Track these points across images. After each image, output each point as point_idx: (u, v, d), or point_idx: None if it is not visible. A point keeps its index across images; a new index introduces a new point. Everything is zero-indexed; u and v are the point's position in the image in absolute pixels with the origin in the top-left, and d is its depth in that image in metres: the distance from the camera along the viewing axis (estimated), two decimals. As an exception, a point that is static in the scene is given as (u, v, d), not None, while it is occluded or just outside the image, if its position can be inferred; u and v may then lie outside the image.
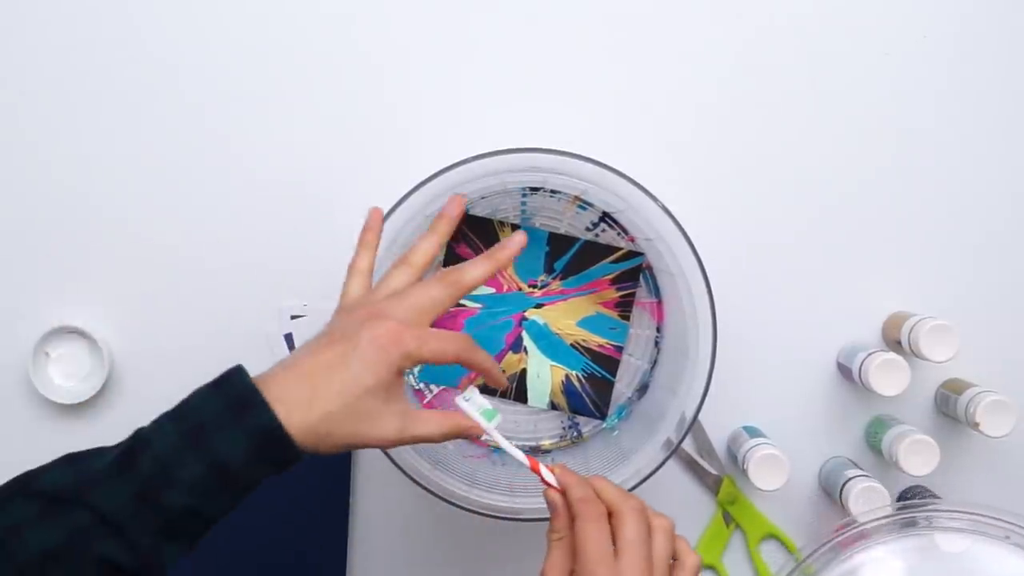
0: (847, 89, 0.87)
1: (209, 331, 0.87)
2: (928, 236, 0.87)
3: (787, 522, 0.88)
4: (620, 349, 0.85)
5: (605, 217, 0.84)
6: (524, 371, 0.86)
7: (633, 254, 0.84)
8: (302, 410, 0.56)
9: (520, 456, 0.63)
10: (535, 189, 0.82)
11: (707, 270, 0.73)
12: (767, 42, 0.87)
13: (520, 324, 0.85)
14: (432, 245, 0.66)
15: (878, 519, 0.75)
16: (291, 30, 0.86)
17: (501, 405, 0.86)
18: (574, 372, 0.86)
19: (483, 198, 0.83)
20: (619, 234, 0.84)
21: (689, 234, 0.73)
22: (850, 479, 0.81)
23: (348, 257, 0.72)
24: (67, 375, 0.87)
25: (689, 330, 0.76)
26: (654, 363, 0.85)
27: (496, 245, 0.66)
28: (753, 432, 0.85)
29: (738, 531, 0.88)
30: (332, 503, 0.87)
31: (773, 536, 0.88)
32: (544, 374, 0.86)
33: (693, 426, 0.77)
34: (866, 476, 0.81)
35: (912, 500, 0.83)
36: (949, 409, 0.84)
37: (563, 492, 0.60)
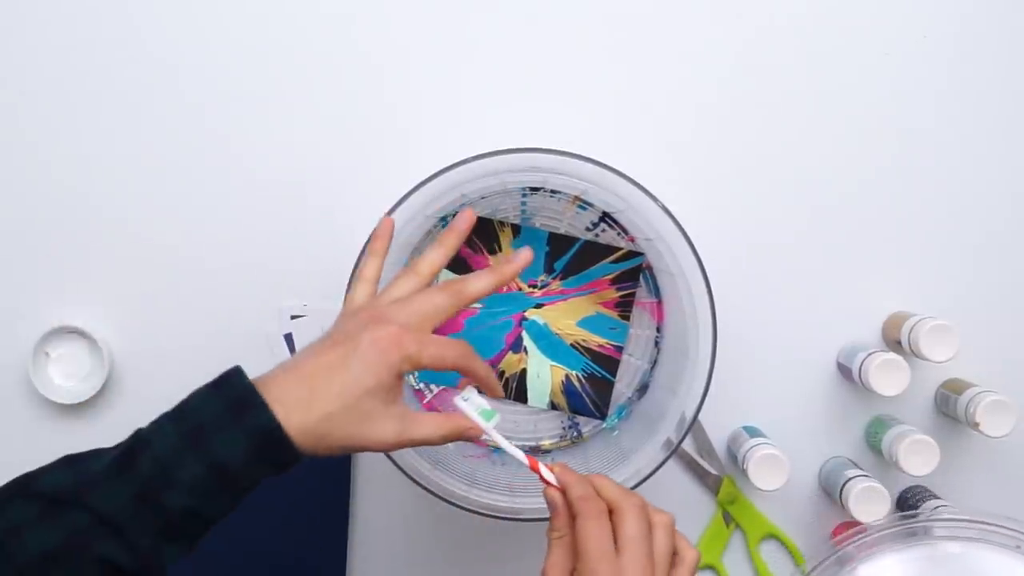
0: (847, 89, 0.87)
1: (209, 331, 0.87)
2: (928, 236, 0.87)
3: (787, 522, 0.88)
4: (620, 349, 0.85)
5: (605, 217, 0.84)
6: (524, 371, 0.86)
7: (633, 254, 0.85)
8: (301, 411, 0.56)
9: (519, 455, 0.63)
10: (535, 189, 0.82)
11: (707, 270, 0.73)
12: (767, 42, 0.87)
13: (520, 324, 0.85)
14: (439, 256, 0.67)
15: (885, 528, 0.74)
16: (291, 30, 0.86)
17: (501, 405, 0.85)
18: (574, 372, 0.86)
19: (483, 198, 0.83)
20: (619, 234, 0.84)
21: (689, 234, 0.73)
22: (850, 479, 0.81)
23: (349, 256, 0.72)
24: (67, 375, 0.87)
25: (689, 330, 0.76)
26: (654, 363, 0.85)
27: (502, 258, 0.67)
28: (753, 432, 0.85)
29: (738, 531, 0.88)
30: (332, 503, 0.87)
31: (773, 536, 0.88)
32: (544, 374, 0.86)
33: (693, 426, 0.77)
34: (866, 476, 0.81)
35: (919, 508, 0.83)
36: (949, 409, 0.84)
37: (563, 490, 0.60)
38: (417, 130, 0.87)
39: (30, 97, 0.86)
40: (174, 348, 0.87)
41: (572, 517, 0.59)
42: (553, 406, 0.86)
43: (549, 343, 0.85)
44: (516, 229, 0.85)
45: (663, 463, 0.75)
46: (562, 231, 0.85)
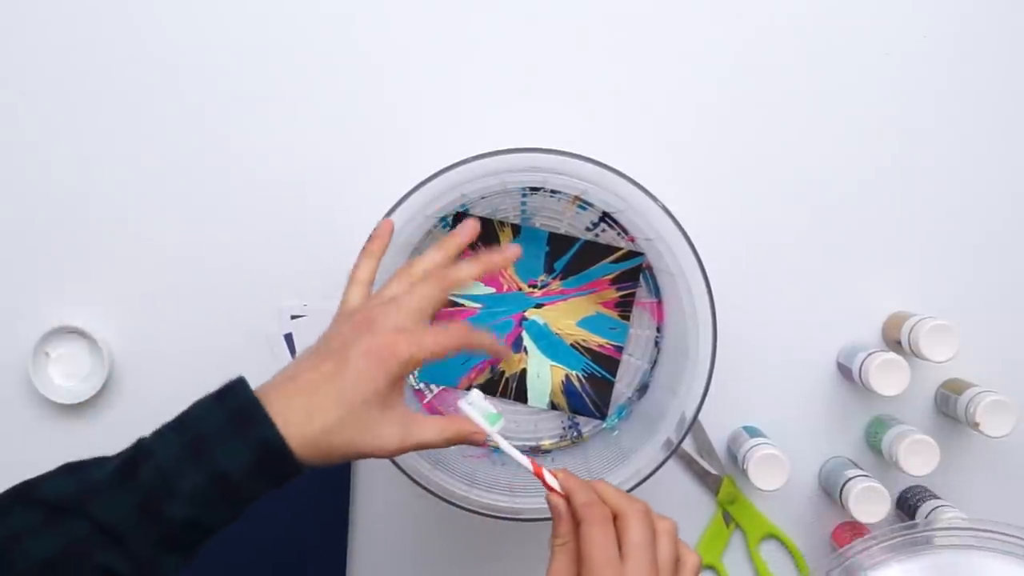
0: (847, 89, 0.87)
1: (209, 331, 0.87)
2: (928, 236, 0.87)
3: (787, 522, 0.88)
4: (620, 349, 0.85)
5: (605, 217, 0.84)
6: (524, 371, 0.86)
7: (633, 254, 0.85)
8: (302, 424, 0.56)
9: (523, 460, 0.63)
10: (535, 189, 0.82)
11: (707, 270, 0.73)
12: (767, 42, 0.87)
13: (520, 324, 0.85)
14: (436, 259, 0.66)
15: (891, 536, 0.74)
16: (291, 30, 0.86)
17: (501, 405, 0.86)
18: (574, 372, 0.86)
19: (483, 198, 0.83)
20: (619, 234, 0.84)
21: (689, 234, 0.73)
22: (850, 479, 0.81)
23: (349, 257, 0.72)
24: (67, 375, 0.87)
25: (689, 330, 0.76)
26: (654, 363, 0.85)
27: (493, 249, 0.66)
28: (753, 432, 0.85)
29: (738, 531, 0.88)
30: (332, 503, 0.87)
31: (773, 536, 0.88)
32: (544, 374, 0.86)
33: (693, 426, 0.77)
34: (866, 476, 0.81)
35: (919, 509, 0.83)
36: (949, 409, 0.84)
37: (566, 497, 0.60)
38: (417, 130, 0.87)
39: (30, 97, 0.86)
40: (174, 348, 0.87)
41: (576, 524, 0.59)
42: (553, 406, 0.86)
43: (549, 343, 0.85)
44: (516, 229, 0.85)
45: (663, 463, 0.75)
46: (562, 231, 0.85)
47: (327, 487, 0.87)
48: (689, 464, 0.88)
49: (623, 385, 0.86)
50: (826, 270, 0.87)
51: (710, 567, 0.88)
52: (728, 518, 0.88)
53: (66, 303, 0.86)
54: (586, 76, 0.87)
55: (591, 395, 0.86)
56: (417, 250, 0.84)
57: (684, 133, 0.87)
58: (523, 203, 0.84)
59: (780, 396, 0.87)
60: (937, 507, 0.81)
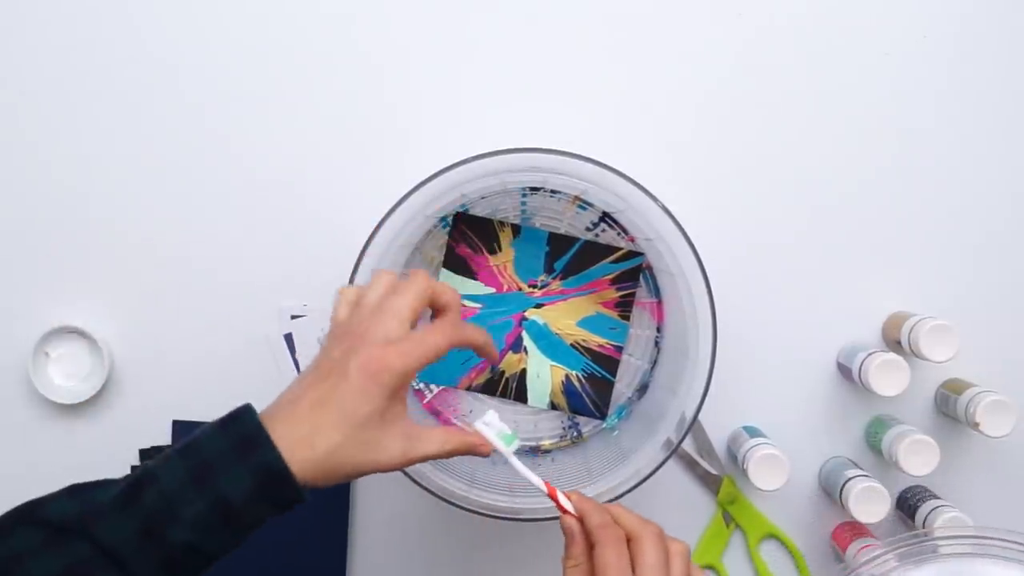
0: (847, 89, 0.87)
1: (209, 331, 0.87)
2: (928, 236, 0.87)
3: (787, 522, 0.88)
4: (620, 349, 0.85)
5: (605, 217, 0.84)
6: (524, 371, 0.86)
7: (633, 254, 0.84)
8: (305, 448, 0.56)
9: (537, 482, 0.62)
10: (535, 189, 0.82)
11: (707, 270, 0.73)
12: (767, 42, 0.87)
13: (520, 324, 0.85)
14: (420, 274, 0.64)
15: (899, 546, 0.73)
16: (291, 30, 0.86)
17: (501, 405, 0.86)
18: (574, 372, 0.86)
19: (483, 198, 0.83)
20: (619, 234, 0.84)
21: (689, 234, 0.73)
22: (850, 479, 0.81)
23: (349, 256, 0.73)
24: (67, 375, 0.87)
25: (689, 330, 0.76)
26: (654, 363, 0.85)
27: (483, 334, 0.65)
28: (753, 432, 0.85)
29: (738, 531, 0.88)
30: (333, 503, 0.87)
31: (773, 536, 0.88)
32: (544, 374, 0.86)
33: (693, 426, 0.77)
34: (866, 476, 0.81)
35: (919, 509, 0.83)
36: (949, 409, 0.84)
37: (580, 519, 0.60)
38: (417, 130, 0.87)
39: (30, 97, 0.86)
40: (174, 348, 0.87)
41: (589, 546, 0.59)
42: (553, 406, 0.86)
43: (549, 343, 0.85)
44: (516, 229, 0.85)
45: (663, 463, 0.75)
46: (562, 231, 0.85)
47: (327, 487, 0.86)
48: (689, 464, 0.88)
49: (623, 385, 0.86)
50: (826, 270, 0.87)
51: (710, 567, 0.88)
52: (728, 518, 0.88)
53: (66, 303, 0.86)
54: (586, 76, 0.87)
55: (591, 395, 0.86)
56: (417, 250, 0.84)
57: (684, 133, 0.87)
58: (523, 203, 0.84)
59: (780, 396, 0.87)
60: (937, 507, 0.81)
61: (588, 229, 0.85)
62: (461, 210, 0.84)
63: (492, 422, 0.63)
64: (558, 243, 0.85)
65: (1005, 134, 0.87)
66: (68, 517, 0.54)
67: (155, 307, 0.87)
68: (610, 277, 0.85)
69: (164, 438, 0.86)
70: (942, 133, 0.87)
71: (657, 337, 0.85)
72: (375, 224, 0.73)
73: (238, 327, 0.87)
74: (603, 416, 0.86)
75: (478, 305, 0.85)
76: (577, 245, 0.85)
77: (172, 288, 0.87)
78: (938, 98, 0.87)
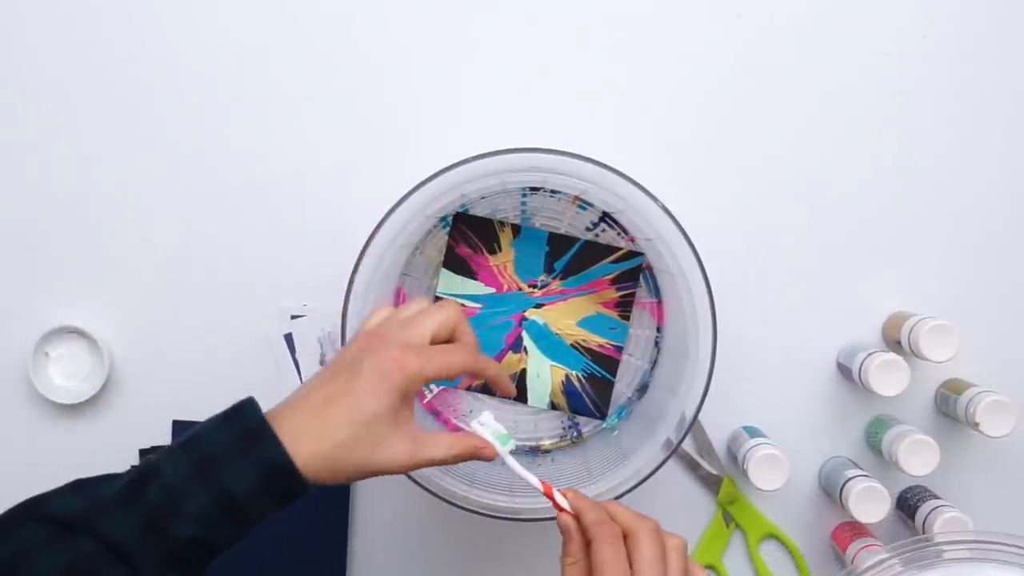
0: (847, 89, 0.87)
1: (209, 331, 0.87)
2: (928, 236, 0.87)
3: (787, 522, 0.88)
4: (620, 349, 0.85)
5: (605, 217, 0.84)
6: (524, 371, 0.86)
7: (633, 254, 0.84)
8: (312, 442, 0.56)
9: (533, 481, 0.62)
10: (535, 189, 0.82)
11: (707, 270, 0.73)
12: (767, 42, 0.87)
13: (520, 324, 0.85)
14: (452, 304, 0.65)
15: (903, 551, 0.73)
16: (291, 30, 0.86)
17: (501, 405, 0.86)
18: (574, 372, 0.86)
19: (483, 198, 0.83)
20: (619, 234, 0.84)
21: (689, 234, 0.73)
22: (850, 479, 0.81)
23: (348, 257, 0.73)
24: (67, 375, 0.87)
25: (689, 330, 0.76)
26: (654, 363, 0.85)
27: (493, 367, 0.66)
28: (753, 432, 0.85)
29: (738, 531, 0.88)
30: (333, 503, 0.87)
31: (773, 536, 0.88)
32: (544, 374, 0.86)
33: (693, 426, 0.77)
34: (866, 476, 0.81)
35: (919, 508, 0.83)
36: (949, 409, 0.84)
37: (576, 516, 0.60)
38: (417, 130, 0.87)
39: (30, 97, 0.86)
40: (174, 348, 0.87)
41: (586, 543, 0.59)
42: (553, 406, 0.86)
43: (549, 343, 0.85)
44: (516, 229, 0.85)
45: (663, 463, 0.75)
46: (562, 231, 0.85)
47: (327, 488, 0.86)
48: (689, 464, 0.88)
49: (623, 385, 0.86)
50: (826, 270, 0.87)
51: (710, 567, 0.88)
52: (728, 518, 0.88)
53: (66, 303, 0.86)
54: (586, 76, 0.87)
55: (591, 395, 0.86)
56: (417, 250, 0.84)
57: (684, 133, 0.87)
58: (523, 203, 0.84)
59: (780, 396, 0.87)
60: (937, 507, 0.81)
61: (588, 229, 0.85)
62: (461, 210, 0.84)
63: (487, 422, 0.63)
64: (558, 243, 0.85)
65: (1005, 134, 0.87)
66: (72, 512, 0.54)
67: (155, 307, 0.87)
68: (610, 277, 0.85)
69: (164, 438, 0.86)
70: (942, 133, 0.87)
71: (657, 337, 0.85)
72: (375, 224, 0.73)
73: (238, 327, 0.87)
74: (603, 416, 0.86)
75: (478, 305, 0.85)
76: (577, 245, 0.85)
77: (172, 288, 0.87)
78: (938, 98, 0.87)
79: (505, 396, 0.65)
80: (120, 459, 0.85)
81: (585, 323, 0.85)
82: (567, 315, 0.85)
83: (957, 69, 0.87)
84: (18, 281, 0.87)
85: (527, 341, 0.85)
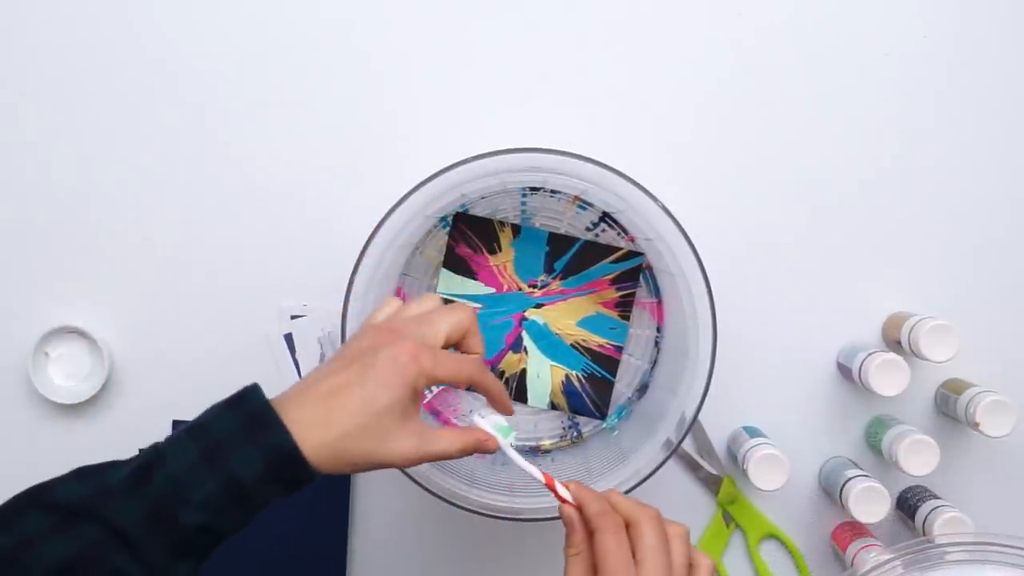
0: (847, 89, 0.87)
1: (209, 331, 0.87)
2: (928, 236, 0.87)
3: (787, 522, 0.88)
4: (620, 349, 0.85)
5: (605, 217, 0.84)
6: (524, 371, 0.86)
7: (633, 254, 0.85)
8: (319, 430, 0.56)
9: (535, 472, 0.63)
10: (535, 189, 0.82)
11: (707, 270, 0.73)
12: (767, 42, 0.87)
13: (520, 324, 0.85)
14: (467, 308, 0.65)
15: (905, 553, 0.73)
16: (291, 35, 0.86)
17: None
18: (574, 372, 0.86)
19: (483, 198, 0.83)
20: (619, 234, 0.84)
21: (689, 234, 0.73)
22: (850, 479, 0.81)
23: (348, 257, 0.73)
24: (67, 375, 0.87)
25: (689, 330, 0.76)
26: (654, 363, 0.85)
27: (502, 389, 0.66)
28: (753, 432, 0.85)
29: (738, 531, 0.88)
30: (333, 502, 0.87)
31: (773, 536, 0.88)
32: (544, 374, 0.86)
33: (693, 426, 0.77)
34: (866, 476, 0.81)
35: (919, 509, 0.83)
36: (949, 409, 0.84)
37: (578, 507, 0.60)
38: (417, 131, 0.87)
39: (30, 97, 0.86)
40: (174, 348, 0.87)
41: (589, 533, 0.59)
42: (553, 406, 0.86)
43: (549, 343, 0.85)
44: (516, 229, 0.85)
45: (663, 463, 0.75)
46: (562, 231, 0.85)
47: (327, 487, 0.87)
48: (689, 464, 0.88)
49: (623, 385, 0.86)
50: (826, 270, 0.87)
51: (710, 567, 0.88)
52: (728, 518, 0.88)
53: (66, 303, 0.86)
54: (586, 76, 0.87)
55: (591, 395, 0.86)
56: (417, 250, 0.84)
57: (684, 133, 0.87)
58: (523, 203, 0.84)
59: (780, 396, 0.87)
60: (937, 507, 0.81)
61: (588, 229, 0.85)
62: (461, 210, 0.84)
63: (488, 415, 0.64)
64: (558, 243, 0.85)
65: (1005, 134, 0.87)
66: (77, 500, 0.53)
67: (155, 307, 0.87)
68: (610, 277, 0.85)
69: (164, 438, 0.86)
70: (942, 133, 0.87)
71: (657, 337, 0.85)
72: (375, 224, 0.73)
73: (238, 327, 0.87)
74: (603, 416, 0.86)
75: (478, 305, 0.85)
76: (577, 245, 0.85)
77: (172, 288, 0.87)
78: (938, 98, 0.87)
79: (506, 413, 0.65)
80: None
81: (585, 323, 0.85)
82: (567, 315, 0.85)
83: (957, 69, 0.87)
84: (18, 281, 0.87)
85: (527, 341, 0.85)
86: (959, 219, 0.87)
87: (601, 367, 0.85)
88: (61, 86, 0.86)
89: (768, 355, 0.87)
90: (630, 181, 0.73)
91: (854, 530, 0.84)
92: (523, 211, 0.84)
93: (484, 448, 0.62)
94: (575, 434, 0.86)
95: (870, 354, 0.81)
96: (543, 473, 0.62)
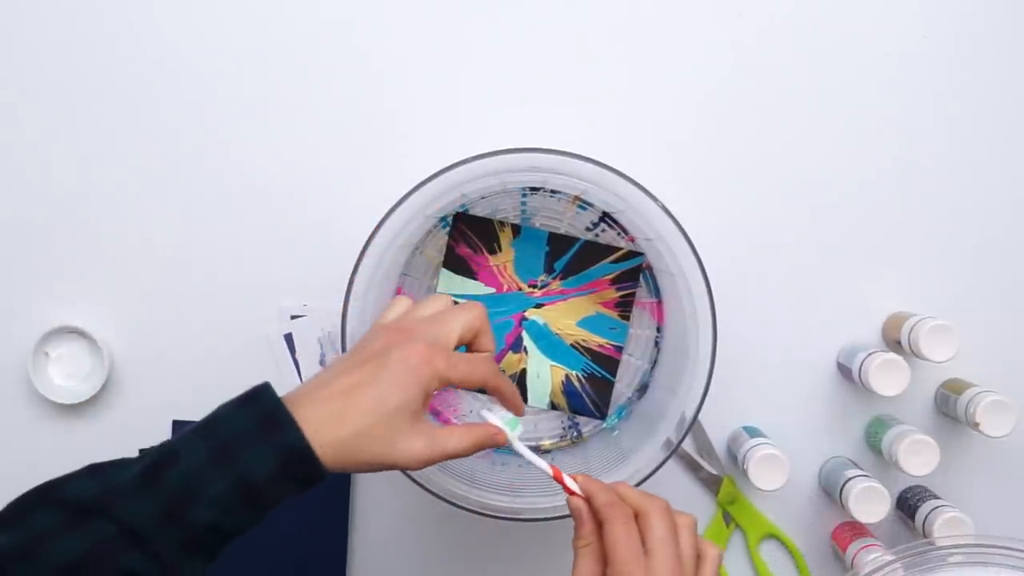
0: (847, 89, 0.87)
1: (209, 331, 0.87)
2: (928, 236, 0.87)
3: (787, 522, 0.88)
4: (620, 349, 0.85)
5: (605, 217, 0.84)
6: (524, 371, 0.86)
7: (633, 254, 0.85)
8: (331, 429, 0.56)
9: (543, 465, 0.63)
10: (535, 189, 0.82)
11: (707, 270, 0.73)
12: (767, 42, 0.87)
13: (520, 324, 0.85)
14: (478, 307, 0.65)
15: (905, 555, 0.73)
16: (291, 35, 0.86)
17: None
18: (574, 372, 0.86)
19: (483, 198, 0.83)
20: (619, 234, 0.84)
21: (689, 234, 0.73)
22: (850, 479, 0.81)
23: (348, 257, 0.73)
24: (67, 375, 0.87)
25: (689, 330, 0.76)
26: (654, 363, 0.85)
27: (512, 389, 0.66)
28: (753, 432, 0.85)
29: (738, 531, 0.88)
30: (333, 502, 0.87)
31: (773, 536, 0.88)
32: (544, 374, 0.86)
33: (693, 426, 0.77)
34: (866, 476, 0.81)
35: (919, 509, 0.83)
36: (949, 409, 0.84)
37: (587, 499, 0.60)
38: (417, 131, 0.87)
39: (30, 97, 0.86)
40: (174, 348, 0.87)
41: (598, 525, 0.59)
42: (553, 406, 0.86)
43: (549, 343, 0.85)
44: (516, 229, 0.85)
45: (663, 463, 0.75)
46: (562, 231, 0.85)
47: (327, 487, 0.86)
48: (689, 464, 0.88)
49: (623, 385, 0.86)
50: (826, 270, 0.87)
51: (710, 567, 0.88)
52: (728, 518, 0.88)
53: (66, 303, 0.86)
54: (586, 77, 0.87)
55: (591, 395, 0.86)
56: (417, 250, 0.84)
57: (684, 133, 0.87)
58: (523, 203, 0.84)
59: (780, 396, 0.87)
60: (937, 507, 0.81)
61: (588, 229, 0.85)
62: (461, 210, 0.84)
63: (494, 409, 0.64)
64: (558, 243, 0.85)
65: (1005, 134, 0.87)
66: (89, 497, 0.53)
67: (155, 307, 0.87)
68: (610, 277, 0.85)
69: (164, 438, 0.86)
70: (942, 133, 0.87)
71: (657, 337, 0.85)
72: (375, 224, 0.73)
73: (238, 327, 0.87)
74: (603, 416, 0.86)
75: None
76: (577, 245, 0.85)
77: (172, 288, 0.87)
78: (938, 98, 0.87)
79: (517, 414, 0.65)
80: (120, 459, 0.85)
81: (585, 323, 0.85)
82: (567, 315, 0.85)
83: (957, 69, 0.87)
84: (18, 281, 0.87)
85: (527, 341, 0.85)
86: (959, 219, 0.87)
87: (601, 367, 0.85)
88: (61, 86, 0.86)
89: (768, 355, 0.87)
90: (630, 181, 0.73)
91: (854, 530, 0.84)
92: (523, 211, 0.84)
93: (494, 442, 0.62)
94: (575, 434, 0.86)
95: (870, 354, 0.81)
96: (551, 466, 0.63)
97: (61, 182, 0.86)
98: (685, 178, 0.87)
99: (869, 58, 0.86)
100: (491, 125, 0.86)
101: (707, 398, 0.74)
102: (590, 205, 0.83)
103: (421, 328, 0.61)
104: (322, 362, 0.87)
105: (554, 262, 0.85)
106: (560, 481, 0.62)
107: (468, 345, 0.64)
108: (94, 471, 0.55)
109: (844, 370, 0.86)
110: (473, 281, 0.85)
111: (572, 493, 0.61)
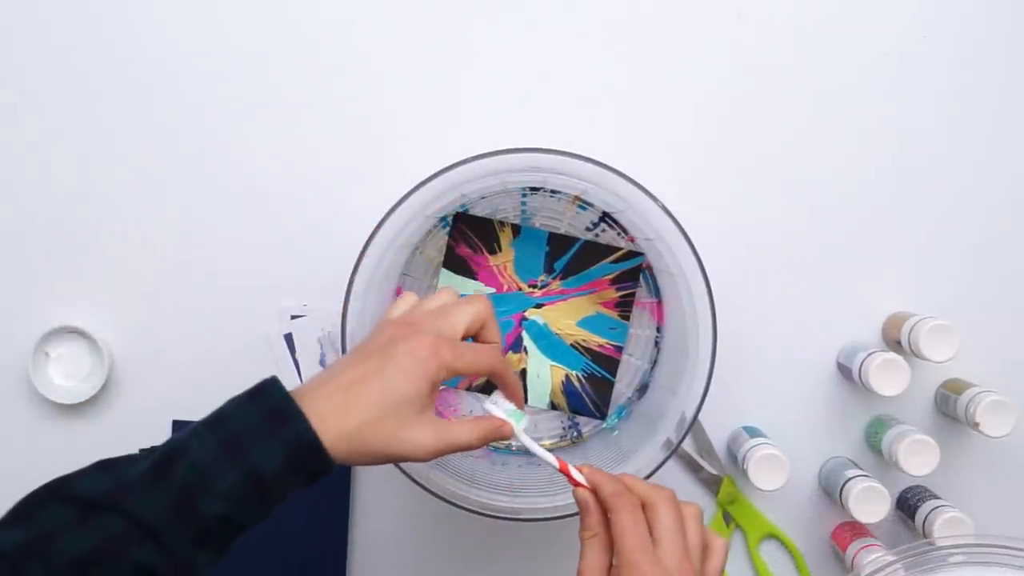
0: (847, 89, 0.87)
1: (209, 331, 0.87)
2: (928, 236, 0.87)
3: (787, 522, 0.88)
4: (620, 349, 0.85)
5: (605, 217, 0.84)
6: (524, 371, 0.86)
7: (633, 254, 0.85)
8: (338, 420, 0.56)
9: (549, 457, 0.63)
10: (535, 189, 0.82)
11: (707, 270, 0.73)
12: (767, 42, 0.87)
13: (520, 324, 0.85)
14: (483, 299, 0.65)
15: (906, 555, 0.73)
16: (291, 35, 0.86)
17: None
18: (574, 372, 0.86)
19: (483, 198, 0.83)
20: (619, 234, 0.84)
21: (689, 234, 0.73)
22: (850, 479, 0.81)
23: (348, 257, 0.73)
24: (67, 375, 0.87)
25: (689, 330, 0.76)
26: (654, 363, 0.85)
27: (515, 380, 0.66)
28: (753, 432, 0.85)
29: (738, 531, 0.88)
30: (333, 502, 0.87)
31: (773, 536, 0.88)
32: (544, 374, 0.86)
33: (693, 426, 0.77)
34: (866, 476, 0.81)
35: (919, 509, 0.83)
36: (949, 409, 0.84)
37: (593, 490, 0.61)
38: (417, 131, 0.87)
39: (30, 97, 0.86)
40: (174, 348, 0.87)
41: (604, 515, 0.60)
42: (553, 406, 0.86)
43: (549, 343, 0.85)
44: (516, 229, 0.85)
45: (663, 463, 0.75)
46: (562, 231, 0.85)
47: (328, 486, 0.86)
48: (689, 464, 0.88)
49: (623, 385, 0.86)
50: (826, 270, 0.87)
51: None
52: (728, 518, 0.88)
53: (66, 303, 0.86)
54: (586, 77, 0.87)
55: (591, 395, 0.86)
56: (417, 250, 0.84)
57: (684, 133, 0.87)
58: (523, 203, 0.84)
59: (780, 396, 0.87)
60: (937, 507, 0.81)
61: (588, 229, 0.85)
62: (461, 210, 0.84)
63: (499, 402, 0.65)
64: (558, 243, 0.85)
65: (1005, 134, 0.87)
66: (99, 492, 0.53)
67: (155, 307, 0.87)
68: (610, 277, 0.85)
69: (164, 438, 0.86)
70: (942, 133, 0.87)
71: (657, 337, 0.85)
72: (375, 224, 0.73)
73: (238, 327, 0.87)
74: (603, 416, 0.86)
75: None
76: (577, 245, 0.85)
77: (172, 288, 0.87)
78: (938, 98, 0.87)
79: (517, 406, 0.65)
80: (120, 459, 0.85)
81: (585, 323, 0.85)
82: (567, 315, 0.85)
83: (957, 69, 0.87)
84: (18, 281, 0.87)
85: (527, 341, 0.85)
86: (959, 219, 0.87)
87: (601, 367, 0.85)
88: (61, 86, 0.86)
89: (768, 355, 0.87)
90: (630, 181, 0.73)
91: (854, 530, 0.84)
92: (523, 211, 0.84)
93: (500, 434, 0.63)
94: (575, 434, 0.86)
95: (870, 354, 0.81)
96: (557, 458, 0.63)
97: (61, 182, 0.86)
98: (685, 178, 0.87)
99: (869, 58, 0.87)
100: (491, 125, 0.86)
101: (707, 398, 0.74)
102: (590, 205, 0.83)
103: (428, 321, 0.61)
104: (322, 362, 0.87)
105: (554, 262, 0.85)
106: (566, 473, 0.62)
107: (475, 336, 0.64)
108: (104, 466, 0.55)
109: (844, 370, 0.86)
110: (473, 281, 0.85)
111: (578, 485, 0.61)
